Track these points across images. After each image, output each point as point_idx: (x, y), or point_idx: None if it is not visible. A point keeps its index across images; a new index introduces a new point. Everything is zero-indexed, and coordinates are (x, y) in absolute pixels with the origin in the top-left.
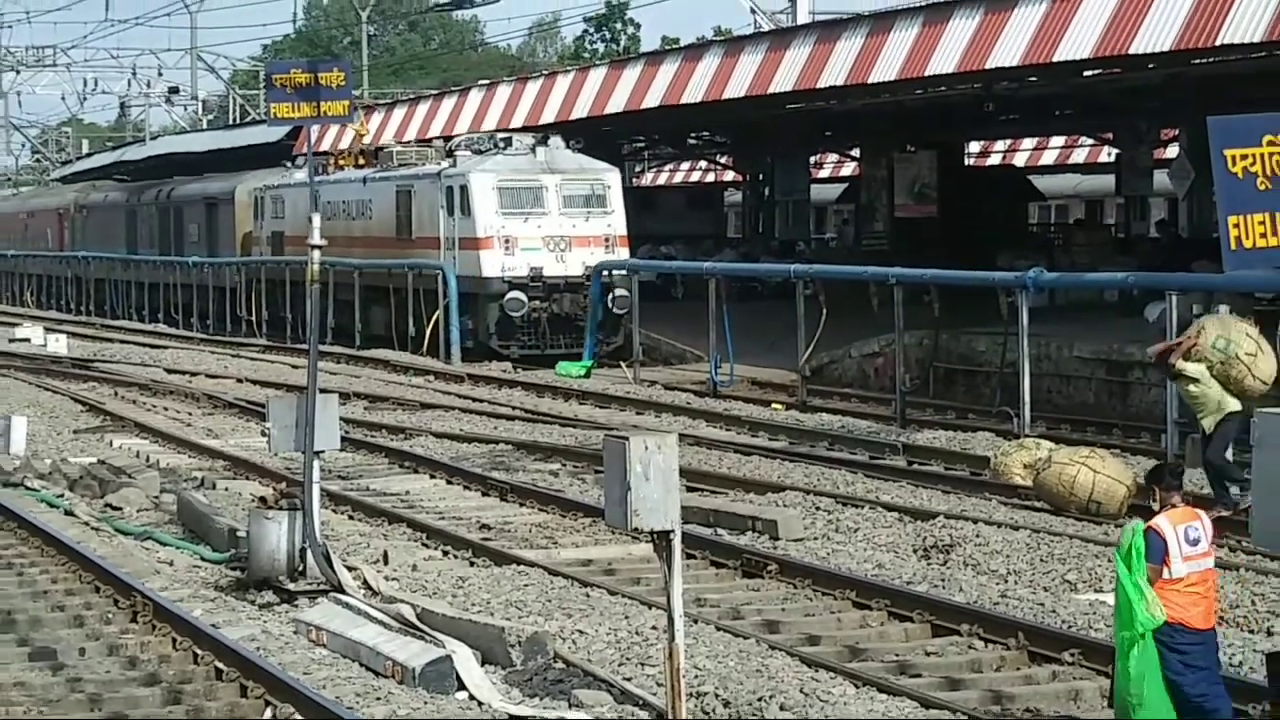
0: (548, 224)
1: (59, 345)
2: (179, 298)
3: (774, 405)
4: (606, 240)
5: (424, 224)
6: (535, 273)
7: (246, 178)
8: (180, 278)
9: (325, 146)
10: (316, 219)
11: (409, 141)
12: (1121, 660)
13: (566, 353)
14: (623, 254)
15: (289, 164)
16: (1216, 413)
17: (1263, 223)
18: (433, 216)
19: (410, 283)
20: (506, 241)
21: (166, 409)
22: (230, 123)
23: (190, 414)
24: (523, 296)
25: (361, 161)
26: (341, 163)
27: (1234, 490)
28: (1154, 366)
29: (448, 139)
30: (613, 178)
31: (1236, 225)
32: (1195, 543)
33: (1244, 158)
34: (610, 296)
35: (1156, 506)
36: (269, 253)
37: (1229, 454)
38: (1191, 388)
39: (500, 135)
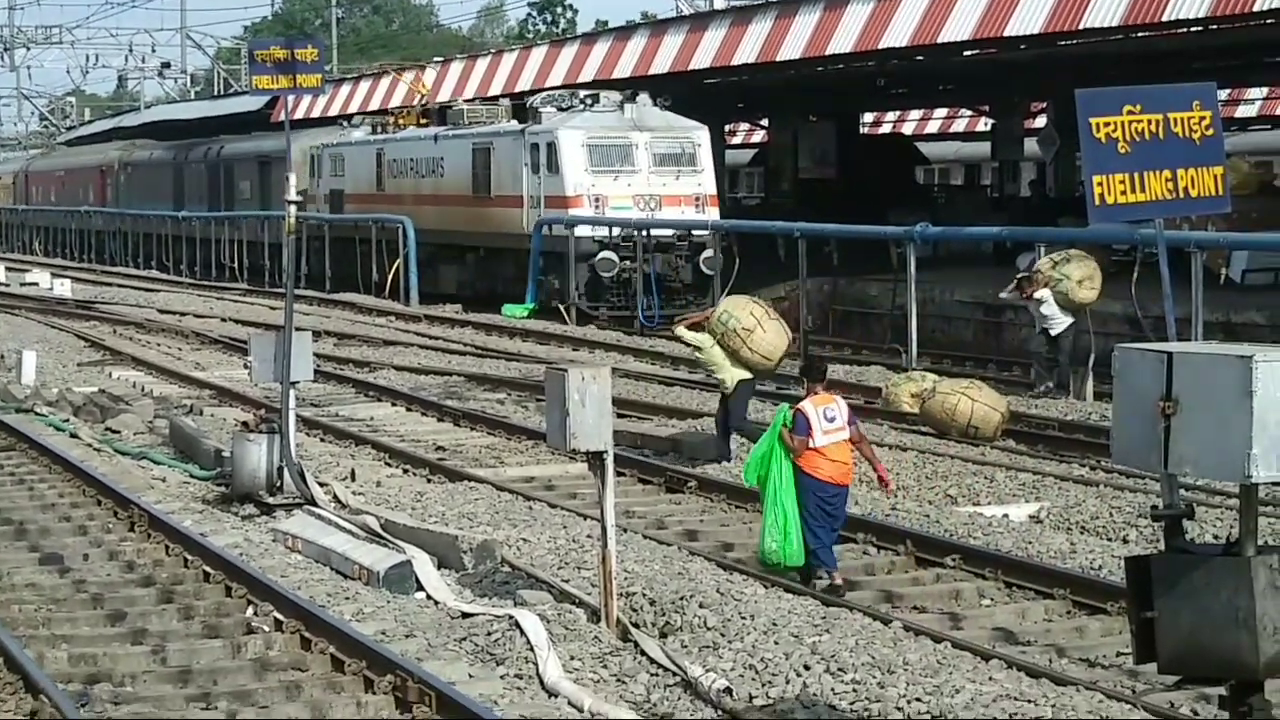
0: (637, 182)
1: (64, 289)
2: (228, 252)
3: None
4: (697, 200)
5: (504, 182)
6: (626, 232)
7: (300, 136)
8: (226, 233)
9: (337, 109)
10: (293, 178)
11: (475, 99)
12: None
13: (656, 314)
14: (713, 214)
15: (345, 123)
16: (730, 379)
17: (1123, 182)
18: (515, 174)
19: (374, 234)
20: (596, 200)
21: (159, 345)
22: (216, 94)
23: (180, 349)
24: (614, 256)
25: (424, 120)
26: (401, 121)
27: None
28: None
29: (511, 96)
30: (702, 135)
31: (1100, 184)
32: (832, 420)
33: (1107, 125)
34: (701, 257)
35: (804, 393)
36: (326, 210)
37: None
38: (699, 354)
39: (586, 92)
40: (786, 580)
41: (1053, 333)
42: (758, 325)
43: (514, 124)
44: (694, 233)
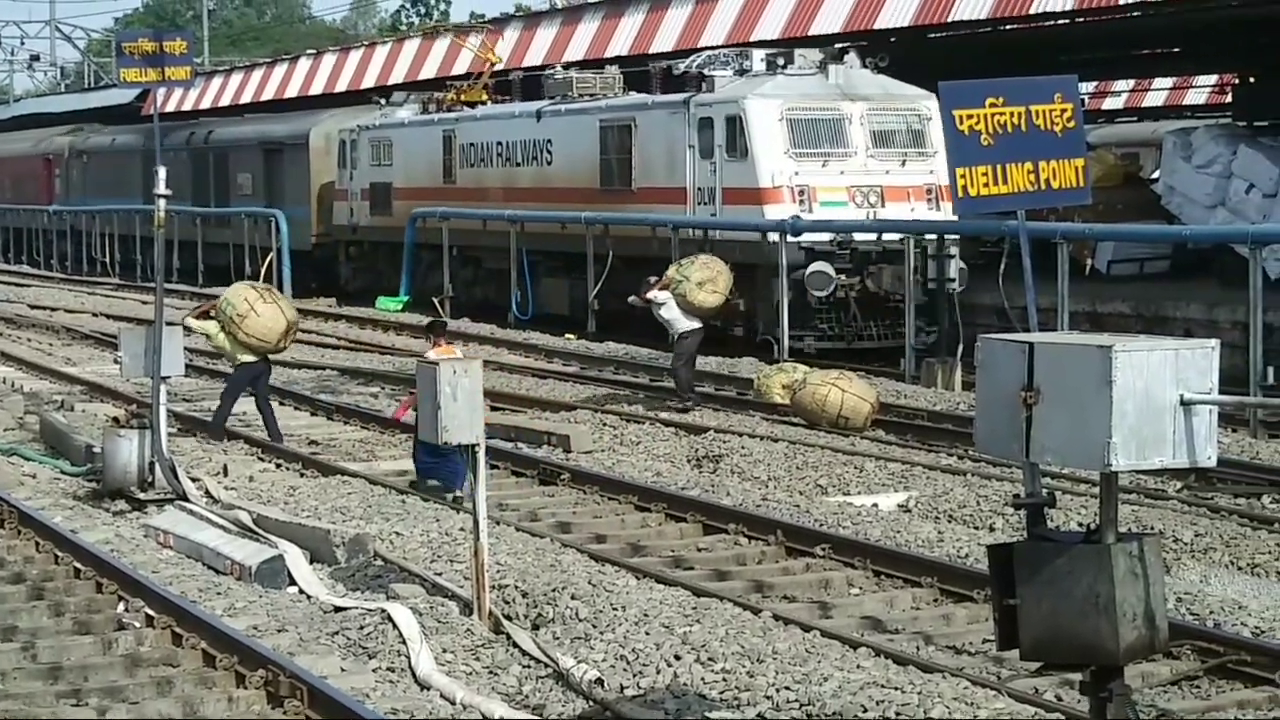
0: (852, 169)
1: None
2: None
3: (567, 335)
4: (929, 192)
5: (654, 170)
6: (845, 238)
7: (323, 118)
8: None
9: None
10: (162, 172)
11: (567, 64)
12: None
13: (880, 347)
14: (949, 210)
15: (382, 101)
16: (236, 361)
17: (986, 174)
18: (672, 160)
19: (247, 228)
20: (800, 193)
21: (29, 340)
22: (86, 87)
23: (51, 344)
24: (829, 270)
25: (501, 96)
26: (465, 97)
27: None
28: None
29: (609, 61)
30: (932, 106)
31: (964, 176)
32: None
33: (970, 117)
34: (948, 270)
35: (431, 346)
36: (365, 209)
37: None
38: (209, 342)
39: (770, 52)
40: (658, 571)
41: (675, 336)
42: (251, 310)
43: (669, 94)
44: (926, 236)
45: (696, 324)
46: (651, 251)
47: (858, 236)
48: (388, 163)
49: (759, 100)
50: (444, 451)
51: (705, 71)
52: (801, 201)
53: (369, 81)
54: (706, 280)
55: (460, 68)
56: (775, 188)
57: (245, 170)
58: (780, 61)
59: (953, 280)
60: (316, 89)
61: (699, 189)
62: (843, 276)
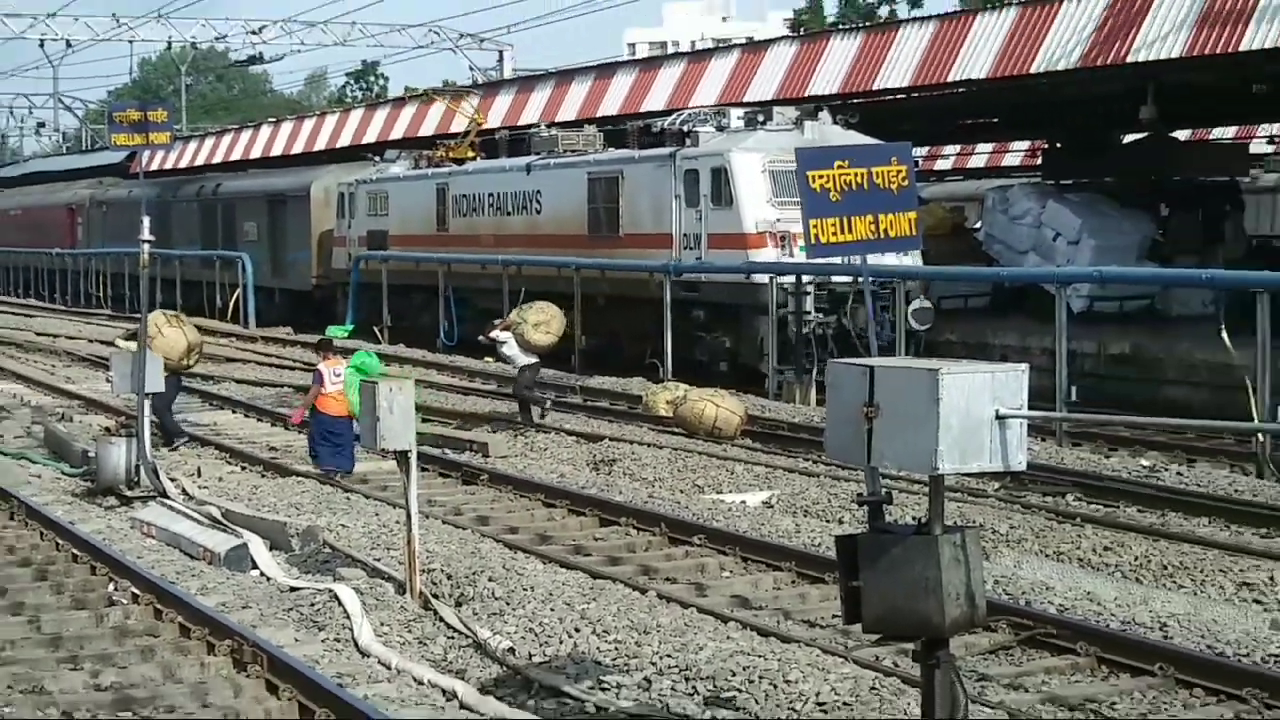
0: None
1: None
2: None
3: (487, 358)
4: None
5: (640, 218)
6: (825, 279)
7: (321, 174)
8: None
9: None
10: (146, 222)
11: (551, 124)
12: None
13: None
14: (917, 257)
15: (376, 158)
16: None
17: (834, 224)
18: (658, 208)
19: (218, 268)
20: (781, 239)
21: (36, 362)
22: (84, 149)
23: (54, 366)
24: (811, 310)
25: (484, 153)
26: (454, 154)
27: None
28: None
29: (588, 122)
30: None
31: (816, 226)
32: (338, 376)
33: (821, 177)
34: (911, 309)
35: (322, 359)
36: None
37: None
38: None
39: (748, 110)
40: (561, 557)
41: (516, 369)
42: (158, 332)
43: (655, 149)
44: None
45: (534, 359)
46: (646, 294)
47: (835, 279)
48: (384, 213)
49: (743, 154)
50: (336, 442)
51: (687, 128)
52: (783, 245)
53: (365, 139)
54: (541, 322)
55: (446, 128)
56: (759, 233)
57: (251, 219)
58: (760, 118)
59: (809, 314)
60: (298, 148)
61: (684, 234)
62: (819, 315)
